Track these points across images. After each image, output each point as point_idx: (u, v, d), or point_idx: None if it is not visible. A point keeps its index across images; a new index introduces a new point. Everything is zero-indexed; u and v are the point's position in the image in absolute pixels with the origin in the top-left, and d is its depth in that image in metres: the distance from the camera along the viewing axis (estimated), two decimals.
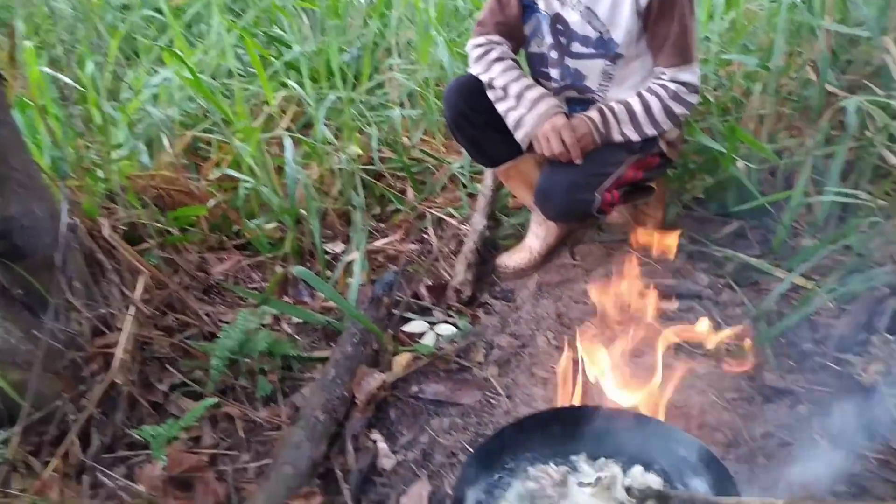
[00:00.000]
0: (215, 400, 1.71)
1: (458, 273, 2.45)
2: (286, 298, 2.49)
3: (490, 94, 2.27)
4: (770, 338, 1.92)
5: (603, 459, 1.47)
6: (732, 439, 1.63)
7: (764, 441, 1.63)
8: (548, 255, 2.55)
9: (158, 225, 2.44)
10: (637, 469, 1.44)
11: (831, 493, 1.46)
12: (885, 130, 2.27)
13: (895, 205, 2.13)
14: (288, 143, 2.61)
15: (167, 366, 2.01)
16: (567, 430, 1.53)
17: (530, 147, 2.20)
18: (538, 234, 2.53)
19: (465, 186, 3.04)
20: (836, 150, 2.38)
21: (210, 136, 3.06)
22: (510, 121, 2.22)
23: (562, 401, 1.72)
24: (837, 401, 1.75)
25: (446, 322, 2.23)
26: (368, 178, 3.03)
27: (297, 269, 2.13)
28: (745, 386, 1.81)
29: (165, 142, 2.86)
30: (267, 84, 3.00)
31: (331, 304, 2.36)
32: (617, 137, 2.20)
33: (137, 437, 1.81)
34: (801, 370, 1.88)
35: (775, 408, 1.74)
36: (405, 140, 3.27)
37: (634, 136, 2.20)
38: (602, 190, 2.22)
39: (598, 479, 1.38)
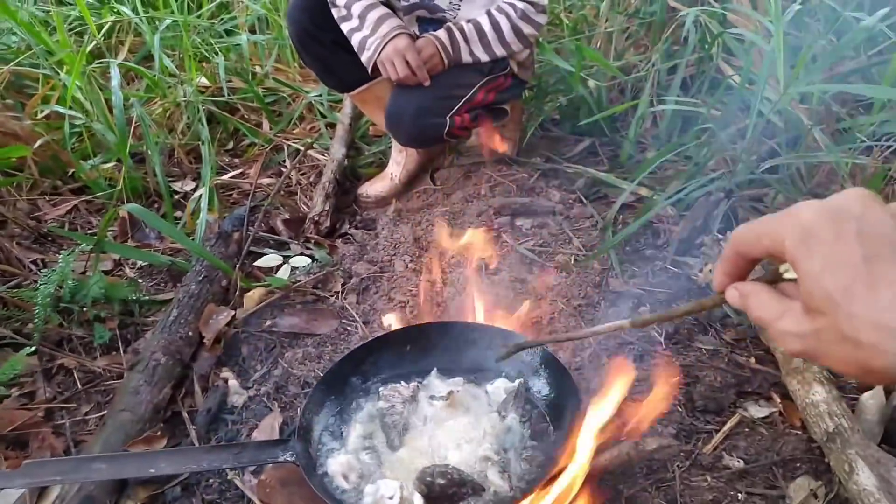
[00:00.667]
0: (33, 349, 1.57)
1: (317, 205, 2.37)
2: (130, 242, 2.33)
3: (334, 13, 2.16)
4: (615, 245, 1.99)
5: (457, 378, 1.48)
6: (577, 344, 1.69)
7: (605, 342, 1.69)
8: (409, 182, 2.51)
9: None
10: (500, 381, 1.44)
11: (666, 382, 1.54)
12: (721, 41, 2.36)
13: (729, 114, 2.23)
14: (114, 70, 2.38)
15: None
16: (417, 349, 1.52)
17: (377, 70, 2.13)
18: (398, 161, 2.49)
19: (323, 116, 2.93)
20: (677, 63, 2.45)
21: (35, 70, 2.75)
22: (354, 42, 2.12)
23: (414, 321, 1.71)
24: (675, 300, 1.85)
25: (302, 255, 2.15)
26: (218, 110, 2.85)
27: (128, 207, 1.97)
28: (591, 293, 1.88)
29: None
30: (85, 8, 2.70)
31: (180, 245, 2.22)
32: (466, 58, 2.16)
33: None
34: (644, 274, 1.96)
35: (618, 311, 1.81)
36: (257, 69, 3.08)
37: (484, 57, 2.17)
38: (453, 114, 2.19)
39: (451, 392, 1.39)
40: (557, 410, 1.34)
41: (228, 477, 1.43)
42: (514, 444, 1.29)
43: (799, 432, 1.46)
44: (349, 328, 1.86)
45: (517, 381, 1.42)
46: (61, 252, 1.79)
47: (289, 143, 2.82)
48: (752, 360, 1.65)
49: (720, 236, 1.92)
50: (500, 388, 1.42)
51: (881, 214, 0.49)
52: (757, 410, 1.53)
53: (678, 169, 2.32)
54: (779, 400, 1.55)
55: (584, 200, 2.26)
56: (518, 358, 1.47)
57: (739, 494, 1.32)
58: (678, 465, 1.36)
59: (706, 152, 2.17)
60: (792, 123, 2.09)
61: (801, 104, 2.16)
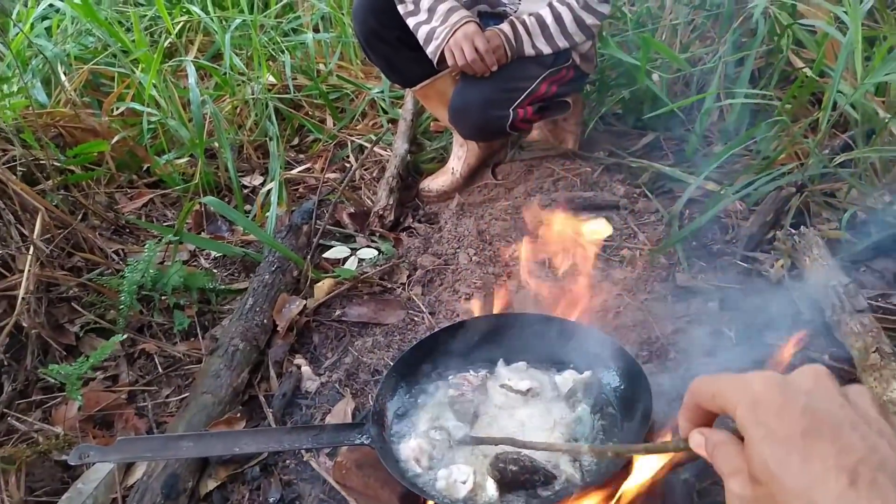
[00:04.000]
0: (123, 336, 1.65)
1: (381, 199, 2.41)
2: (204, 235, 2.42)
3: (400, 9, 2.19)
4: (682, 240, 1.97)
5: (521, 363, 1.49)
6: (646, 337, 1.69)
7: (675, 337, 1.69)
8: (470, 176, 2.53)
9: (58, 164, 2.30)
10: (568, 372, 1.46)
11: None
12: (790, 33, 2.31)
13: (799, 107, 2.19)
14: (190, 69, 2.48)
15: (76, 307, 1.94)
16: (486, 338, 1.54)
17: (442, 61, 2.16)
18: (460, 156, 2.51)
19: (385, 112, 2.98)
20: (745, 55, 2.41)
21: (111, 69, 2.88)
22: (421, 35, 2.16)
23: (483, 312, 1.73)
24: (745, 297, 1.82)
25: (368, 247, 2.20)
26: (285, 107, 2.93)
27: (206, 199, 2.05)
28: (658, 288, 1.87)
29: (63, 78, 2.68)
30: (164, 8, 2.81)
31: (251, 237, 2.30)
32: (529, 51, 2.17)
33: (53, 380, 1.74)
34: (712, 270, 1.94)
35: (686, 306, 1.80)
36: (321, 66, 3.16)
37: (546, 49, 2.18)
38: (516, 106, 2.20)
39: (529, 389, 1.40)
40: (628, 403, 1.34)
41: (304, 459, 1.48)
42: (584, 435, 1.30)
43: None
44: (415, 318, 1.90)
45: (587, 373, 1.43)
46: (147, 242, 1.88)
47: (352, 138, 2.88)
48: (826, 356, 1.62)
49: (792, 231, 1.88)
50: (568, 379, 1.44)
51: (832, 391, 0.50)
52: None
53: (746, 163, 2.29)
54: None
55: (649, 195, 2.24)
56: (587, 349, 1.48)
57: None
58: None
59: (776, 146, 2.12)
60: (867, 116, 2.03)
61: (876, 96, 2.10)
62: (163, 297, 1.96)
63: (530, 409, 1.36)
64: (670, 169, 2.31)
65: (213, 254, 2.30)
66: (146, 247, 1.82)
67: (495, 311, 1.73)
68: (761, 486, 0.49)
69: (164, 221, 2.49)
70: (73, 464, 1.19)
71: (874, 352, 1.48)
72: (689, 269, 1.93)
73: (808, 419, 0.48)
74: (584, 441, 1.29)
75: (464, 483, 1.22)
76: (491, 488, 1.20)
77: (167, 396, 1.76)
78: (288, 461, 1.49)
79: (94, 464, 1.46)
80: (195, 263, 2.28)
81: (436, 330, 1.68)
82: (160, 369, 1.83)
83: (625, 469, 1.19)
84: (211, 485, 1.47)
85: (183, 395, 1.75)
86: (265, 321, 1.81)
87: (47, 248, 1.94)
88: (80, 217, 2.26)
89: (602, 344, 1.46)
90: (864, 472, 0.45)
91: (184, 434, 1.36)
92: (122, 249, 2.26)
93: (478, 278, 1.98)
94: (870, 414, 0.49)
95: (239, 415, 1.58)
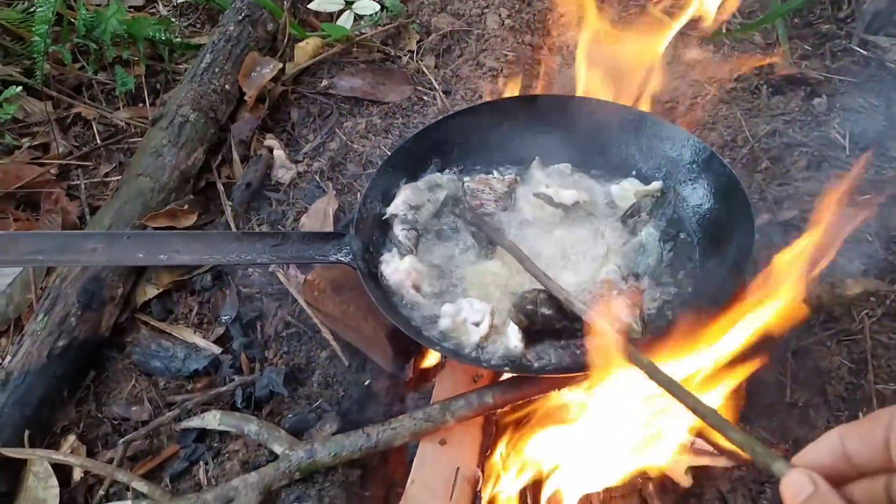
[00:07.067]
0: (18, 88, 1.24)
1: None
2: None
3: None
4: (783, 14, 1.47)
5: (565, 165, 1.09)
6: (730, 139, 1.27)
7: (769, 140, 1.26)
8: None
9: None
10: (629, 182, 1.06)
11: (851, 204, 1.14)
12: None
13: None
14: None
15: None
16: (517, 129, 1.13)
17: None
18: None
19: None
20: None
21: None
22: None
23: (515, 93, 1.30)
24: (862, 92, 1.37)
25: None
26: None
27: None
28: (749, 75, 1.41)
29: None
30: None
31: None
32: None
33: None
34: (819, 56, 1.47)
35: (785, 101, 1.36)
36: None
37: None
38: None
39: (576, 203, 1.01)
40: (714, 232, 0.96)
41: (270, 269, 1.15)
42: (650, 270, 0.93)
43: None
44: (425, 97, 1.47)
45: (656, 183, 1.03)
46: None
47: None
48: None
49: None
50: (629, 190, 1.04)
51: None
52: None
53: None
54: None
55: None
56: (657, 151, 1.07)
57: None
58: (867, 314, 1.00)
59: None
60: None
61: None
62: (101, 50, 1.51)
63: (575, 230, 0.99)
64: None
65: (175, 0, 1.80)
66: None
67: (532, 92, 1.30)
68: None
69: None
70: None
71: None
72: (790, 52, 1.46)
73: None
74: (648, 277, 0.93)
75: (476, 325, 0.89)
76: (514, 336, 0.87)
77: (106, 175, 1.40)
78: (249, 269, 1.16)
79: None
80: (152, 10, 1.80)
81: (450, 113, 1.26)
82: (98, 140, 1.45)
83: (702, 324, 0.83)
84: (151, 292, 1.15)
85: (124, 175, 1.37)
86: (227, 87, 1.39)
87: None
88: None
89: (681, 144, 1.05)
90: None
91: (89, 233, 1.02)
92: None
93: (510, 49, 1.52)
94: None
95: (187, 207, 1.21)
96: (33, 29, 1.34)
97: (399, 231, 0.98)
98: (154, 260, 0.89)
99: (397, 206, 1.00)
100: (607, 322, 0.79)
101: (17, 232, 1.14)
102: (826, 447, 0.45)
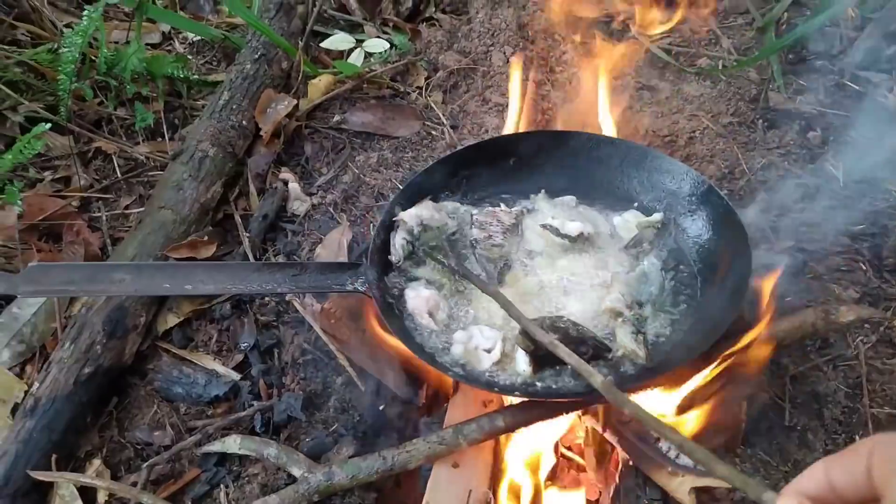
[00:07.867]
0: (47, 126, 1.29)
1: None
2: (181, 13, 1.97)
3: None
4: (778, 50, 1.53)
5: (570, 198, 1.14)
6: (728, 171, 1.32)
7: (765, 173, 1.31)
8: None
9: None
10: (631, 213, 1.11)
11: (846, 233, 1.19)
12: None
13: None
14: None
15: (13, 91, 1.55)
16: (524, 162, 1.18)
17: None
18: None
19: None
20: None
21: None
22: None
23: (517, 128, 1.35)
24: (856, 126, 1.42)
25: (379, 38, 1.76)
26: None
27: None
28: (745, 109, 1.46)
29: None
30: None
31: (238, 20, 1.86)
32: None
33: None
34: (813, 90, 1.52)
35: (780, 134, 1.41)
36: None
37: None
38: None
39: (580, 235, 1.06)
40: (713, 260, 1.01)
41: (287, 297, 1.19)
42: (652, 298, 0.98)
43: None
44: (433, 132, 1.52)
45: (657, 215, 1.08)
46: (85, 8, 1.45)
47: None
48: None
49: None
50: (631, 221, 1.09)
51: None
52: None
53: None
54: None
55: None
56: (657, 184, 1.12)
57: None
58: (862, 340, 1.04)
59: None
60: None
61: None
62: (122, 86, 1.58)
63: (580, 260, 1.03)
64: None
65: (191, 37, 1.88)
66: (84, 13, 1.40)
67: (536, 127, 1.35)
68: None
69: None
70: None
71: None
72: (784, 88, 1.51)
73: None
74: (650, 304, 0.97)
75: (488, 352, 0.93)
76: (522, 361, 0.91)
77: (126, 207, 1.45)
78: (266, 298, 1.20)
79: None
80: (168, 48, 1.87)
81: (458, 148, 1.32)
82: (119, 173, 1.50)
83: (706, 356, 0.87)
84: (172, 321, 1.19)
85: (144, 207, 1.42)
86: (244, 123, 1.45)
87: None
88: None
89: (680, 177, 1.10)
90: None
91: (117, 264, 1.06)
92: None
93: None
94: None
95: (207, 238, 1.26)
96: (59, 68, 1.40)
97: (398, 238, 1.03)
98: (179, 290, 0.93)
99: (410, 215, 1.04)
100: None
101: (49, 263, 1.18)
102: (812, 480, 0.47)
